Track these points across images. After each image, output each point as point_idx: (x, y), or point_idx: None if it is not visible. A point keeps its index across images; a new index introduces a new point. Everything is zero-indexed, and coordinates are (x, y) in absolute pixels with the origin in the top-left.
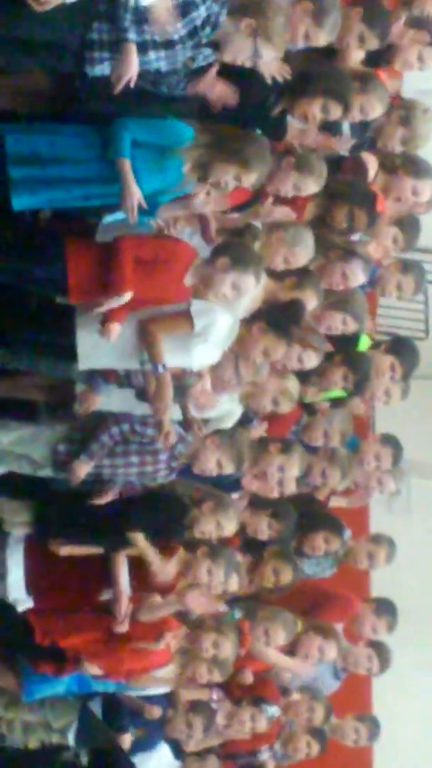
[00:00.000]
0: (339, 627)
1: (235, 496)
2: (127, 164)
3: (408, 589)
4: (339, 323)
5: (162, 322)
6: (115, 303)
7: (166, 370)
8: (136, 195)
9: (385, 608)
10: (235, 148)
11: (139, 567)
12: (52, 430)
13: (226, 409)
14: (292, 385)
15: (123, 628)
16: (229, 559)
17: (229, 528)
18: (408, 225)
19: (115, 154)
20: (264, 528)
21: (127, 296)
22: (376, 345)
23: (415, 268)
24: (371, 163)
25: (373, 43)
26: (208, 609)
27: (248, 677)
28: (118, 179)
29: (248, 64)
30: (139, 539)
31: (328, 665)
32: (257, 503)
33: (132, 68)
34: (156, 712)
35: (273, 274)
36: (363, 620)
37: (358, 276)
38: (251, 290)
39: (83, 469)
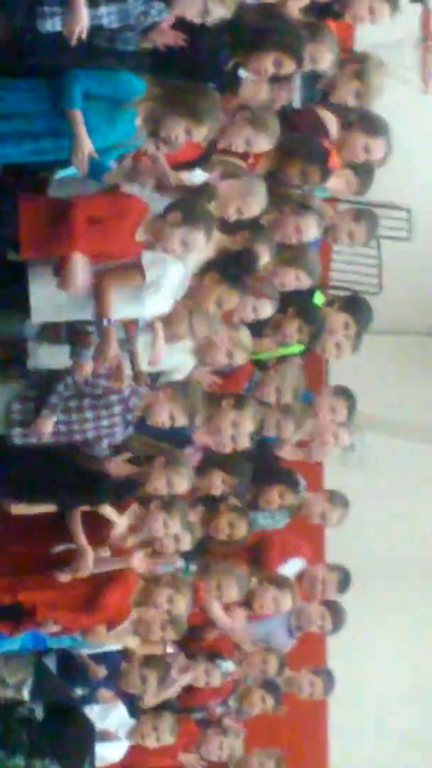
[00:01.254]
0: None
1: (189, 450)
2: (78, 115)
3: (360, 544)
4: (292, 279)
5: (113, 275)
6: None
7: (111, 324)
8: (86, 146)
9: (339, 568)
10: (187, 102)
11: (90, 522)
12: (4, 387)
13: (179, 361)
14: (245, 336)
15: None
16: (184, 512)
17: (181, 485)
18: (361, 170)
19: (66, 104)
20: (218, 483)
21: (76, 255)
22: (329, 302)
23: (367, 217)
24: (330, 120)
25: None
26: (152, 568)
27: (212, 634)
28: (69, 133)
29: (197, 21)
30: (108, 511)
31: (281, 623)
32: (210, 459)
33: (81, 19)
34: (101, 672)
35: (225, 228)
36: (314, 574)
37: (311, 230)
38: (200, 247)
39: (47, 423)
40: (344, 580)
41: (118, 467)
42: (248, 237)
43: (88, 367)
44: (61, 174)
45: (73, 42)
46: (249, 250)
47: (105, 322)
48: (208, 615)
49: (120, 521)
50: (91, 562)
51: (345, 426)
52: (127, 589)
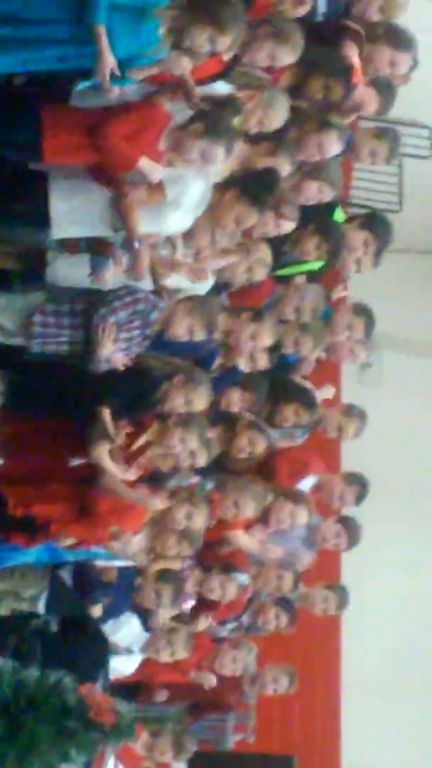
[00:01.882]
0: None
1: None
2: (101, 30)
3: (377, 462)
4: (315, 192)
5: (133, 192)
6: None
7: (141, 244)
8: (109, 63)
9: (357, 480)
10: (210, 10)
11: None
12: (24, 298)
13: (201, 286)
14: (265, 252)
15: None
16: (202, 428)
17: (199, 403)
18: (384, 87)
19: (91, 18)
20: (236, 400)
21: (143, 161)
22: (350, 219)
23: (389, 135)
24: (352, 50)
25: None
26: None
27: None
28: (93, 41)
29: None
30: (105, 415)
31: (300, 538)
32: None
33: None
34: (113, 573)
35: (248, 140)
36: (333, 486)
37: (333, 146)
38: (219, 160)
39: (99, 360)
40: (362, 492)
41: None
42: (270, 148)
43: (108, 275)
44: (83, 85)
45: None
46: (271, 168)
47: (136, 245)
48: (229, 540)
49: (139, 440)
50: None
51: (362, 344)
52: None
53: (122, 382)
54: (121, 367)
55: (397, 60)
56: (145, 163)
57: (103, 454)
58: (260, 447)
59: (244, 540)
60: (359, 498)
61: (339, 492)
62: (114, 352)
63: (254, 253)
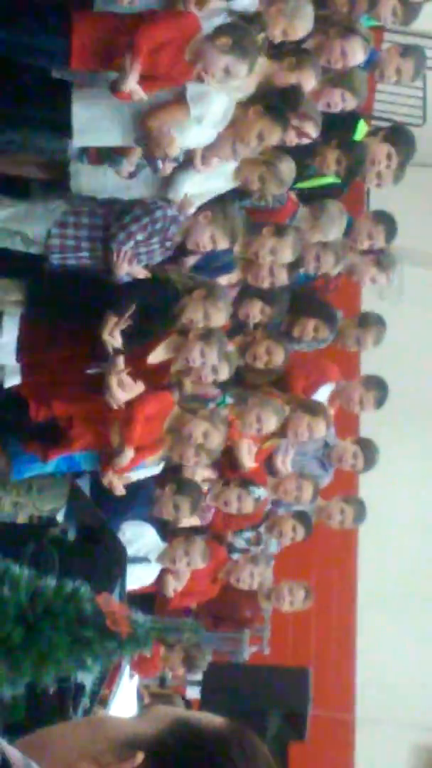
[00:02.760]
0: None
1: (226, 279)
2: None
3: (397, 376)
4: (338, 99)
5: (159, 113)
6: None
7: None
8: None
9: (376, 382)
10: None
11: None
12: (45, 207)
13: (217, 187)
14: (285, 167)
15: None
16: (222, 342)
17: (218, 318)
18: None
19: None
20: (256, 312)
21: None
22: (373, 132)
23: (415, 52)
24: None
25: None
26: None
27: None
28: None
29: None
30: (110, 321)
31: (315, 456)
32: (249, 288)
33: None
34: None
35: (272, 54)
36: (352, 391)
37: (357, 54)
38: (242, 77)
39: (120, 270)
40: (382, 395)
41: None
42: (294, 63)
43: (126, 170)
44: None
45: None
46: (295, 85)
47: (159, 165)
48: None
49: (157, 350)
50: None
51: (383, 267)
52: (162, 410)
53: (143, 292)
54: (142, 276)
55: None
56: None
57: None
58: (278, 356)
59: (246, 456)
60: (379, 401)
61: (358, 396)
62: (132, 270)
63: (271, 165)
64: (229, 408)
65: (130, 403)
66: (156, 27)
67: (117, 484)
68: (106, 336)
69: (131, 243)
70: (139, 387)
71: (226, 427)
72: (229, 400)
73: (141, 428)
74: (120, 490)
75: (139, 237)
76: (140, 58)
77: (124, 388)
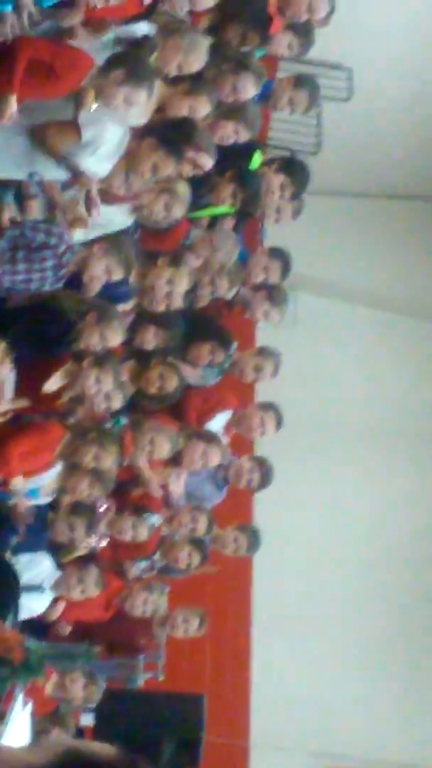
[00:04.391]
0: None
1: (122, 307)
2: None
3: (291, 402)
4: (231, 132)
5: (50, 131)
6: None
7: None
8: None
9: (271, 405)
10: None
11: (24, 376)
12: None
13: (118, 222)
14: (182, 189)
15: None
16: (116, 369)
17: (114, 339)
18: (301, 30)
19: None
20: (150, 337)
21: (12, 100)
22: (268, 162)
23: (308, 84)
24: None
25: None
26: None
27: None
28: None
29: None
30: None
31: (209, 476)
32: (143, 314)
33: None
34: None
35: (166, 80)
36: (251, 417)
37: (248, 89)
38: (143, 103)
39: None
40: (280, 417)
41: None
42: (188, 88)
43: (7, 213)
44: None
45: None
46: (188, 117)
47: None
48: (135, 471)
49: (53, 378)
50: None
51: (276, 303)
52: (50, 440)
53: (36, 321)
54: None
55: (316, 4)
56: (12, 99)
57: None
58: (172, 381)
59: (147, 471)
60: (278, 423)
61: (258, 420)
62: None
63: (173, 191)
64: (124, 430)
65: (6, 437)
66: (39, 43)
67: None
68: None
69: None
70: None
71: (118, 448)
72: (123, 420)
73: (22, 462)
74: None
75: (32, 238)
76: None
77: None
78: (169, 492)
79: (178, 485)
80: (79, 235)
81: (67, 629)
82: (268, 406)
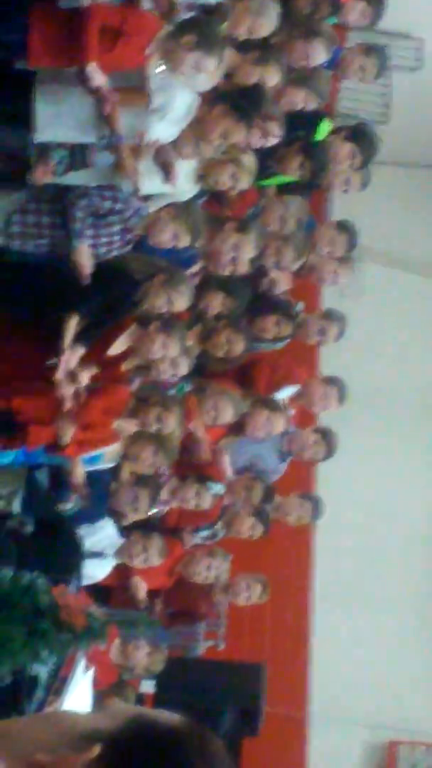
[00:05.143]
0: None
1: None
2: None
3: (356, 373)
4: (301, 99)
5: (119, 96)
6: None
7: (123, 140)
8: None
9: (335, 380)
10: None
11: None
12: (6, 199)
13: (184, 190)
14: (249, 160)
15: (66, 390)
16: (182, 334)
17: (180, 303)
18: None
19: None
20: (217, 304)
21: (92, 66)
22: (336, 130)
23: (378, 51)
24: None
25: None
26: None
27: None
28: None
29: None
30: (71, 323)
31: (271, 446)
32: (210, 279)
33: None
34: (84, 490)
35: (237, 47)
36: (313, 389)
37: (319, 55)
38: (211, 71)
39: (83, 253)
40: (343, 392)
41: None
42: (258, 57)
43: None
44: None
45: None
46: (259, 84)
47: (116, 139)
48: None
49: (117, 341)
50: (65, 362)
51: (344, 263)
52: (116, 403)
53: (101, 282)
54: (86, 265)
55: None
56: (92, 68)
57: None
58: (238, 345)
59: (201, 432)
60: (341, 398)
61: (321, 393)
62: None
63: (239, 161)
64: (188, 396)
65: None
66: (108, 10)
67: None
68: (67, 337)
69: (86, 201)
70: (90, 371)
71: (182, 410)
72: (187, 387)
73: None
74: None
75: (97, 200)
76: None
77: (75, 383)
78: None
79: (239, 460)
80: (147, 202)
81: (143, 589)
82: (332, 380)
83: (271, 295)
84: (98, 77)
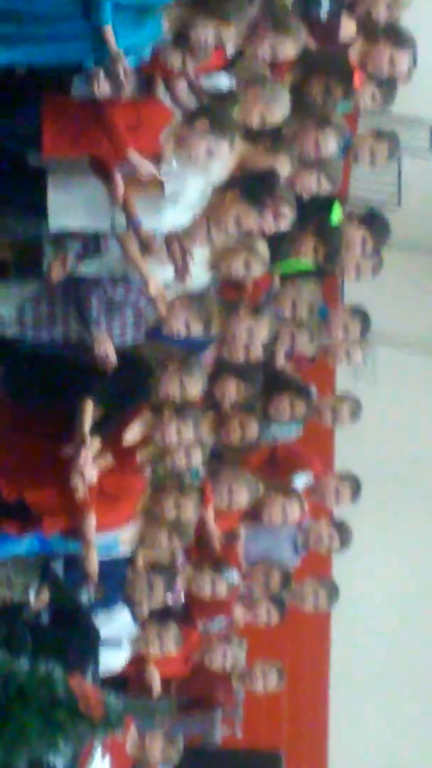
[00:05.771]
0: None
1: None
2: (109, 31)
3: (371, 458)
4: (314, 183)
5: (132, 183)
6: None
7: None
8: (123, 64)
9: (349, 476)
10: (214, 4)
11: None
12: (20, 288)
13: (198, 280)
14: (262, 248)
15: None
16: (197, 420)
17: (194, 389)
18: (385, 83)
19: (97, 21)
20: (232, 391)
21: (132, 153)
22: (348, 216)
23: (389, 136)
24: (348, 27)
25: None
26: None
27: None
28: (92, 36)
29: None
30: (87, 407)
31: (288, 538)
32: (224, 366)
33: None
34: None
35: (248, 137)
36: (326, 485)
37: (330, 145)
38: (224, 156)
39: (102, 341)
40: (356, 488)
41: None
42: (269, 145)
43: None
44: (84, 77)
45: None
46: (271, 170)
47: (133, 225)
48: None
49: (132, 429)
50: (86, 452)
51: (358, 344)
52: (131, 493)
53: (116, 369)
54: (111, 352)
55: (398, 58)
56: (134, 155)
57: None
58: (251, 430)
59: (211, 522)
60: (355, 494)
61: (334, 488)
62: (104, 327)
63: (253, 249)
64: (203, 481)
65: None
66: (123, 111)
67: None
68: (84, 424)
69: (102, 292)
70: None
71: (199, 496)
72: (201, 471)
73: (105, 506)
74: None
75: (110, 291)
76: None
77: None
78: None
79: (255, 547)
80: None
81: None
82: (345, 476)
83: (285, 375)
84: (144, 164)
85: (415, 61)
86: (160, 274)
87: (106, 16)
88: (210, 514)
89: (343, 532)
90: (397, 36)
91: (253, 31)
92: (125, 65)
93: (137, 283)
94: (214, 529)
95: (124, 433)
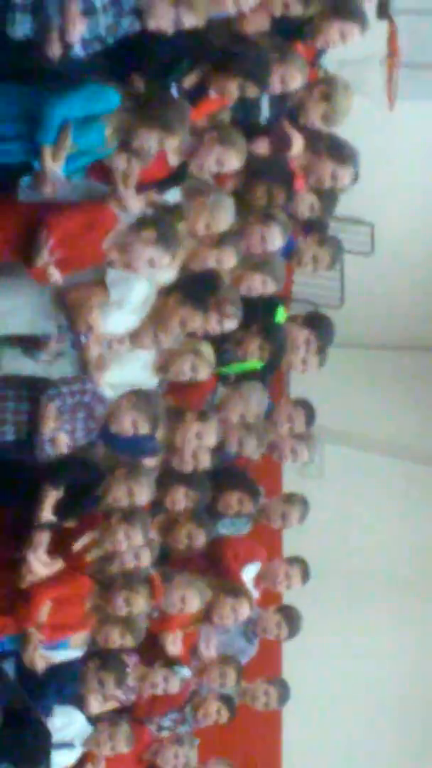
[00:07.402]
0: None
1: (152, 462)
2: (47, 152)
3: (319, 554)
4: (259, 284)
5: (77, 291)
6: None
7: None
8: (51, 175)
9: (297, 560)
10: (157, 113)
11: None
12: None
13: (140, 376)
14: (207, 350)
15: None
16: (145, 524)
17: (142, 495)
18: (325, 194)
19: (42, 138)
20: (180, 498)
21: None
22: (292, 317)
23: (331, 242)
24: (297, 139)
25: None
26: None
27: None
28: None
29: (170, 31)
30: (49, 497)
31: (238, 631)
32: (171, 474)
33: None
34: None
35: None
36: (276, 570)
37: (276, 240)
38: (164, 267)
39: (62, 441)
40: (305, 571)
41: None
42: (215, 240)
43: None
44: (29, 179)
45: (54, 51)
46: (212, 270)
47: (82, 338)
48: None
49: (83, 537)
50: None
51: (303, 441)
52: (78, 592)
53: (67, 471)
54: (65, 450)
55: (340, 173)
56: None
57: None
58: (199, 540)
59: (171, 647)
60: (304, 577)
61: (284, 573)
62: (57, 432)
63: (198, 352)
64: (151, 576)
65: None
66: (67, 216)
67: (38, 661)
68: (45, 512)
69: (59, 402)
70: (56, 564)
71: (148, 590)
72: (151, 571)
73: (52, 609)
74: (41, 667)
75: (68, 400)
76: (54, 241)
77: (41, 567)
78: (200, 651)
79: (209, 648)
80: (108, 392)
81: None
82: (294, 561)
83: (236, 471)
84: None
85: (356, 176)
86: (109, 375)
87: (50, 136)
88: (169, 639)
89: (291, 619)
90: (340, 152)
91: (199, 142)
92: (56, 178)
93: (91, 385)
94: (174, 651)
95: (73, 542)
